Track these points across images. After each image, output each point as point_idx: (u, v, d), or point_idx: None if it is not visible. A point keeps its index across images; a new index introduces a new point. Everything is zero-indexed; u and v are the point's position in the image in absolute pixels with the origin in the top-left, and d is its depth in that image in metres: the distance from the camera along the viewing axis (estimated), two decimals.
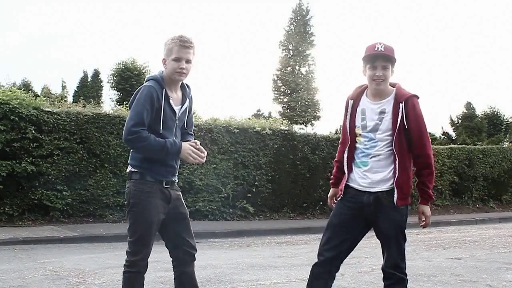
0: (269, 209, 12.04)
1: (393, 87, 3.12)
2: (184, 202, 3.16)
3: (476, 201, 16.38)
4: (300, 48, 34.82)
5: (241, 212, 11.41)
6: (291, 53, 35.27)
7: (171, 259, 3.11)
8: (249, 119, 13.26)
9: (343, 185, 3.19)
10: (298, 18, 35.65)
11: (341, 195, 3.18)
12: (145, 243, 2.94)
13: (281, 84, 35.17)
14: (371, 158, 3.07)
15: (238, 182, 11.49)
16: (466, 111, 36.70)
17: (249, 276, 5.30)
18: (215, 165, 11.14)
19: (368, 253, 6.82)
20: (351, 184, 3.14)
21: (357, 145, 3.14)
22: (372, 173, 3.06)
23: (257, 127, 11.92)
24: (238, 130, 11.59)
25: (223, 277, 5.20)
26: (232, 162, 11.44)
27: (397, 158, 3.00)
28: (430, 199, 3.07)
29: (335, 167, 3.35)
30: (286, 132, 12.46)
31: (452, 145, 17.93)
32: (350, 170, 3.17)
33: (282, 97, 35.27)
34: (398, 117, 2.99)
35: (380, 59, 3.01)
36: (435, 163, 3.09)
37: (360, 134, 3.13)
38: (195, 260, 3.11)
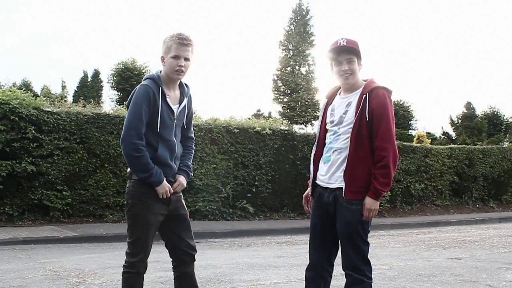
0: (269, 209, 12.04)
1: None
2: (184, 203, 3.15)
3: (476, 201, 16.38)
4: (300, 48, 34.83)
5: (241, 212, 11.41)
6: (291, 53, 35.27)
7: (171, 259, 3.11)
8: (249, 119, 13.25)
9: (309, 182, 3.15)
10: (298, 18, 35.66)
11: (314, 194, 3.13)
12: (144, 244, 2.94)
13: (281, 84, 35.17)
14: (333, 152, 3.00)
15: (238, 182, 11.49)
16: (466, 111, 36.71)
17: (249, 276, 5.29)
18: (215, 165, 11.14)
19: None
20: (318, 182, 3.10)
21: (325, 141, 3.10)
22: (332, 168, 2.99)
23: (257, 127, 11.93)
24: (238, 130, 11.59)
25: (223, 277, 5.20)
26: (232, 162, 11.45)
27: (350, 148, 2.90)
28: (376, 192, 2.83)
29: None
30: (286, 132, 12.46)
31: (452, 145, 17.91)
32: (317, 168, 3.12)
33: (282, 97, 35.28)
34: (359, 108, 2.91)
35: (343, 52, 2.96)
36: (397, 160, 2.90)
37: (328, 130, 3.09)
38: (194, 260, 3.10)
